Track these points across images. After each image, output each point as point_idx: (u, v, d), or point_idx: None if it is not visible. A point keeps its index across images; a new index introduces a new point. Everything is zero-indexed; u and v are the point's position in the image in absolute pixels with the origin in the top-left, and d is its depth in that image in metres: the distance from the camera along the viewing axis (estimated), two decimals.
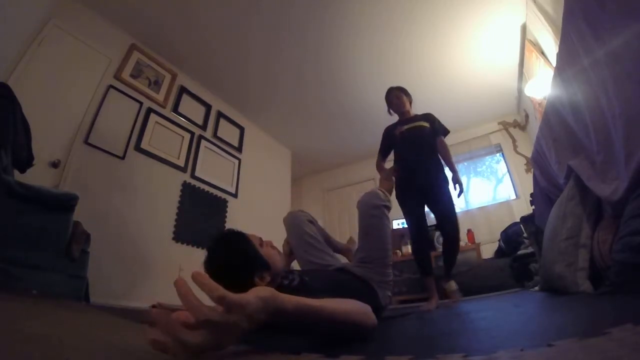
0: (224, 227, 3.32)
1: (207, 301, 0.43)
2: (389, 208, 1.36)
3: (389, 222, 1.34)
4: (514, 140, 4.25)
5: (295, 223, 1.45)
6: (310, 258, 1.36)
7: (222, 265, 0.83)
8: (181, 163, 3.09)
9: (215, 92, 3.71)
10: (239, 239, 0.91)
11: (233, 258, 0.85)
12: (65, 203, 1.57)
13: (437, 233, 3.92)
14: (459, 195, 2.09)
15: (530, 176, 2.80)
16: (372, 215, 1.30)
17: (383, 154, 2.37)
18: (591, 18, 1.07)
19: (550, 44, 2.46)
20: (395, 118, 2.42)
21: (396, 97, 2.33)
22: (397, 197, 2.12)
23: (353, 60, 3.36)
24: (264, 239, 0.98)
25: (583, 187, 1.34)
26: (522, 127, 4.22)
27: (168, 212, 2.84)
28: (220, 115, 3.72)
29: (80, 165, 2.30)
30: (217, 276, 0.79)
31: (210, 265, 0.84)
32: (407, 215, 2.13)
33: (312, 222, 1.50)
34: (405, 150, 2.20)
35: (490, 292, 2.82)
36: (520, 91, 3.80)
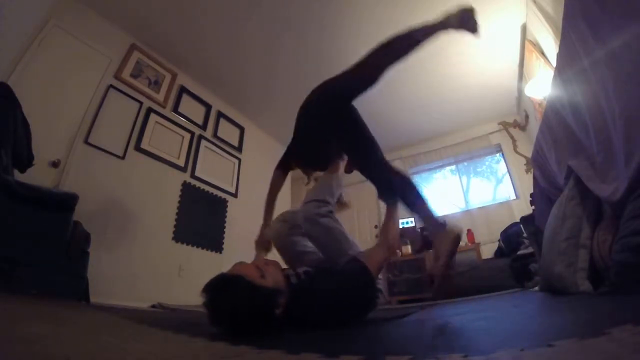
0: (224, 227, 3.32)
1: None
2: (328, 214, 1.24)
3: (335, 224, 1.24)
4: (514, 141, 4.25)
5: (282, 244, 1.33)
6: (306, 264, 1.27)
7: (244, 323, 0.75)
8: (181, 163, 3.09)
9: (215, 92, 3.71)
10: (246, 296, 0.75)
11: (252, 317, 0.75)
12: (65, 203, 1.58)
13: None
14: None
15: (530, 176, 2.80)
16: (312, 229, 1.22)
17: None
18: (591, 18, 1.07)
19: (550, 44, 2.46)
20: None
21: None
22: None
23: (353, 59, 3.35)
24: (260, 261, 0.89)
25: (583, 187, 1.33)
26: (522, 127, 4.22)
27: (168, 212, 2.84)
28: (220, 115, 3.72)
29: (80, 165, 2.30)
30: (238, 327, 0.74)
31: (227, 324, 0.76)
32: None
33: (294, 226, 1.34)
34: None
35: (490, 292, 2.82)
36: (520, 91, 3.80)
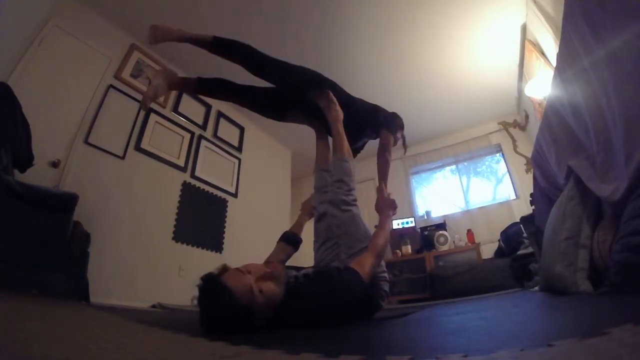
0: (224, 227, 3.33)
1: None
2: (355, 203, 1.36)
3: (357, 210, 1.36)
4: (514, 140, 4.25)
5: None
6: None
7: (229, 327, 0.78)
8: (181, 163, 3.09)
9: None
10: (227, 315, 0.77)
11: (234, 321, 0.78)
12: (65, 203, 1.58)
13: (438, 233, 3.93)
14: None
15: (530, 176, 2.80)
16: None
17: None
18: (591, 18, 1.07)
19: (550, 44, 2.46)
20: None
21: None
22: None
23: (353, 60, 3.36)
24: (250, 267, 0.87)
25: (583, 187, 1.34)
26: (522, 127, 4.22)
27: (168, 212, 2.84)
28: (220, 115, 3.72)
29: (80, 165, 2.30)
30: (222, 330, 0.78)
31: (215, 327, 0.79)
32: None
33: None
34: None
35: (490, 292, 2.82)
36: (520, 91, 3.80)
